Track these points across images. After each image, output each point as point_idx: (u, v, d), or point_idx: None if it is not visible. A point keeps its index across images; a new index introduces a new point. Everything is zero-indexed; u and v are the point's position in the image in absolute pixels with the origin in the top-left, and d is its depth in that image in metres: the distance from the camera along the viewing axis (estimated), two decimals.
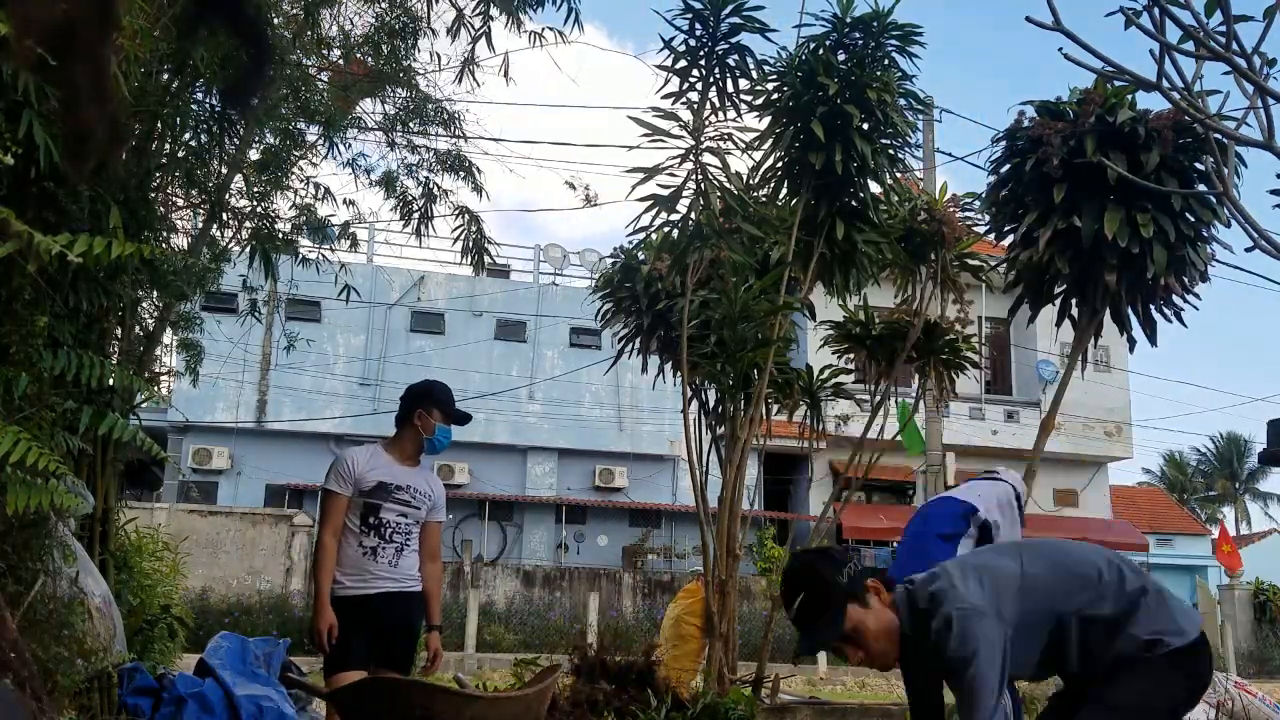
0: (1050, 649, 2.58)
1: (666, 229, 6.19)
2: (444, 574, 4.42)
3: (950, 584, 2.54)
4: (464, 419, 4.34)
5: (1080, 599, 2.56)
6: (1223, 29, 2.63)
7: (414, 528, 4.13)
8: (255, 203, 7.39)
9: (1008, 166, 6.55)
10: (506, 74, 7.70)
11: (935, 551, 4.09)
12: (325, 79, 7.87)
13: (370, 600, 3.96)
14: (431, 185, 8.55)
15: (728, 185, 6.07)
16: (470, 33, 7.18)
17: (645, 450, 23.05)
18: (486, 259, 8.80)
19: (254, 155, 7.41)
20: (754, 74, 6.07)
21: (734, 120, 6.12)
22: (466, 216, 8.50)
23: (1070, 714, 2.60)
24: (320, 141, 7.75)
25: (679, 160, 5.93)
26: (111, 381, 4.80)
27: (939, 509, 4.61)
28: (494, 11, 6.75)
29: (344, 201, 8.93)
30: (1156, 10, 2.63)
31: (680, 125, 5.91)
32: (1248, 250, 2.89)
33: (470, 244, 8.56)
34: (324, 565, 3.95)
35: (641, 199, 6.01)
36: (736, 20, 5.81)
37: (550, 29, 7.15)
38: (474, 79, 7.73)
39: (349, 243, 9.14)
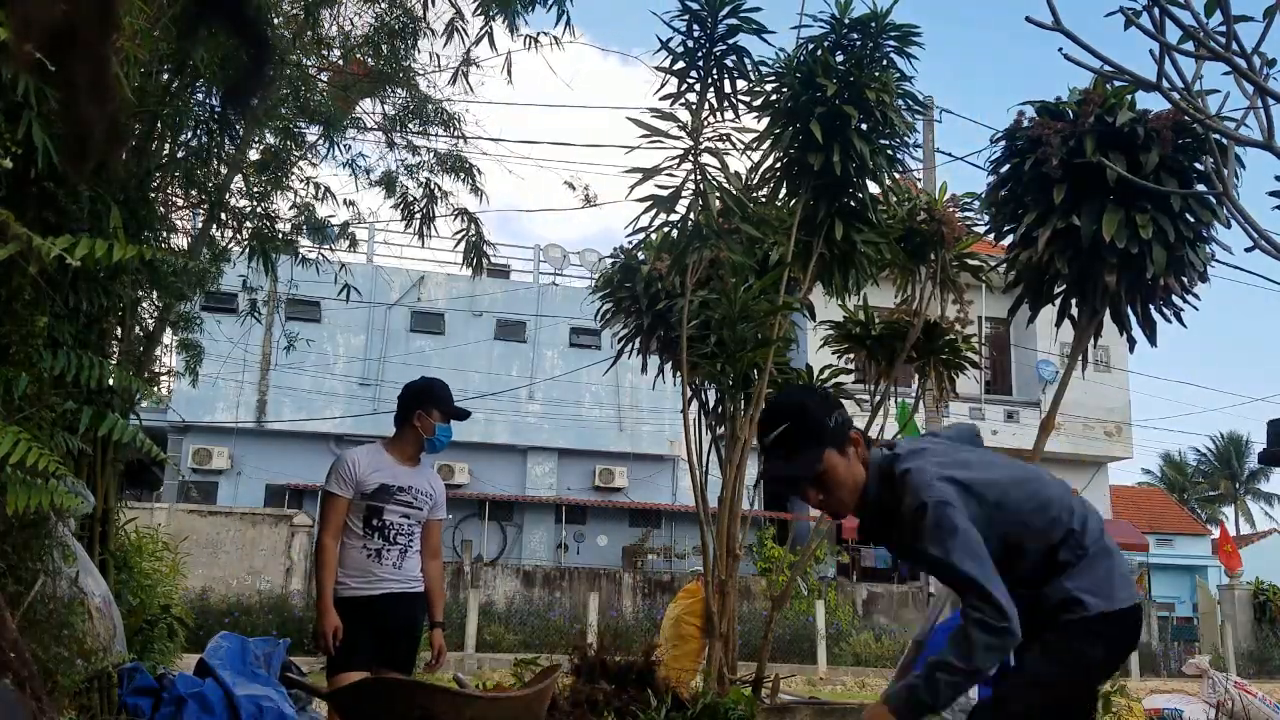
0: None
1: (666, 229, 6.19)
2: (444, 574, 4.40)
3: (926, 470, 2.45)
4: (463, 415, 4.35)
5: (1039, 534, 2.51)
6: (1223, 29, 2.63)
7: (416, 528, 4.13)
8: (255, 203, 7.39)
9: (1007, 167, 6.55)
10: (509, 73, 7.71)
11: None
12: (325, 79, 7.87)
13: (375, 601, 3.97)
14: (432, 186, 8.55)
15: (727, 186, 6.07)
16: (464, 37, 7.19)
17: (645, 450, 23.06)
18: (485, 261, 8.80)
19: (254, 155, 7.42)
20: (752, 75, 6.07)
21: (732, 121, 6.13)
22: (466, 219, 8.51)
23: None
24: (320, 142, 7.75)
25: (678, 161, 5.93)
26: (111, 382, 4.80)
27: None
28: (493, 11, 6.75)
29: (344, 202, 8.94)
30: (1156, 10, 2.63)
31: (679, 126, 5.91)
32: (1248, 250, 2.89)
33: (469, 246, 8.56)
34: (326, 567, 3.94)
35: (641, 199, 6.02)
36: (734, 21, 5.81)
37: (545, 33, 7.18)
38: (467, 82, 7.74)
39: (348, 243, 9.14)
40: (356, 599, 3.95)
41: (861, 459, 2.57)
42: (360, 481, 4.01)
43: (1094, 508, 2.67)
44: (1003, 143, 6.55)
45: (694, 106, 5.96)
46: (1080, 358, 6.63)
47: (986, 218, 7.00)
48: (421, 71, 8.22)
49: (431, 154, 8.58)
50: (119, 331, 6.14)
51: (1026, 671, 2.50)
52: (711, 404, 7.03)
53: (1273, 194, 2.90)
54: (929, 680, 2.30)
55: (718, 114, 6.04)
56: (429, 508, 4.19)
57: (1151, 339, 6.48)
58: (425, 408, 4.19)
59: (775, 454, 2.57)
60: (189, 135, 6.10)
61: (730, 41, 5.87)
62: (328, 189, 8.29)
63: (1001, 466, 2.65)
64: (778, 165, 6.49)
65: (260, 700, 5.35)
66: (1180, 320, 6.43)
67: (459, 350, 22.53)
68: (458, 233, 8.50)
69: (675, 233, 6.12)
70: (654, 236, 6.41)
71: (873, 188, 6.56)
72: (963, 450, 2.71)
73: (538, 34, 7.16)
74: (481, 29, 6.93)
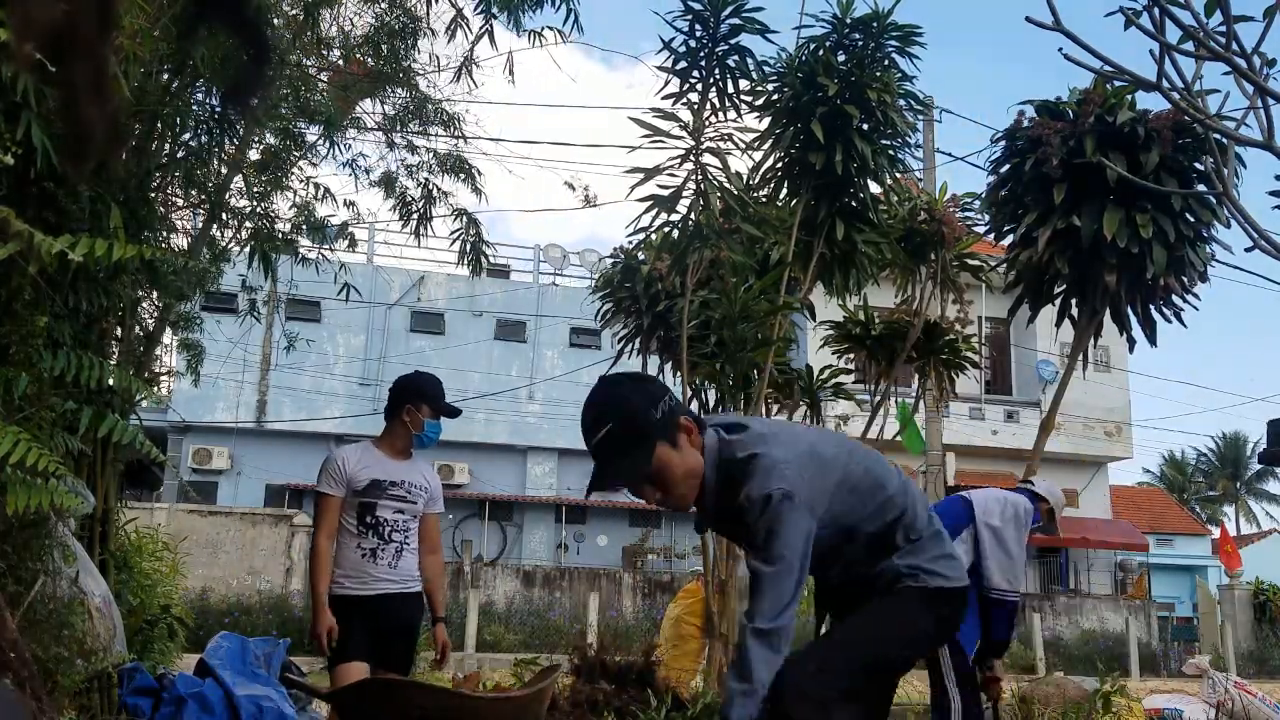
0: (823, 556, 2.43)
1: (666, 229, 6.19)
2: (444, 572, 4.38)
3: (772, 457, 2.31)
4: (453, 413, 4.18)
5: (874, 519, 2.46)
6: (1223, 29, 2.63)
7: (412, 524, 4.08)
8: (255, 203, 7.39)
9: (1007, 166, 6.56)
10: (511, 71, 7.70)
11: None
12: (325, 79, 7.86)
13: (370, 601, 3.94)
14: (431, 187, 8.55)
15: (728, 185, 6.07)
16: (468, 33, 7.17)
17: None
18: (485, 261, 8.79)
19: (254, 155, 7.41)
20: (754, 75, 6.07)
21: (734, 121, 6.13)
22: (465, 219, 8.50)
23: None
24: (320, 142, 7.75)
25: (679, 161, 5.93)
26: (111, 382, 4.80)
27: (946, 504, 4.67)
28: (495, 9, 6.74)
29: (344, 203, 8.94)
30: (1156, 10, 2.63)
31: (680, 126, 5.91)
32: (1248, 250, 2.89)
33: (468, 247, 8.55)
34: (320, 569, 3.91)
35: (641, 199, 6.02)
36: (736, 21, 5.81)
37: (550, 28, 7.14)
38: (472, 79, 7.73)
39: (347, 243, 9.14)
40: (352, 597, 3.92)
41: (697, 445, 2.38)
42: (351, 478, 3.95)
43: (921, 492, 2.64)
44: (1003, 143, 6.56)
45: (695, 106, 5.96)
46: (1080, 358, 6.63)
47: (986, 218, 7.01)
48: (421, 71, 8.22)
49: (431, 154, 8.58)
50: (119, 331, 6.14)
51: (858, 624, 2.48)
52: (712, 404, 7.02)
53: (1273, 193, 2.90)
54: (729, 705, 2.20)
55: (719, 114, 6.04)
56: (424, 501, 4.12)
57: (1151, 339, 6.48)
58: (414, 402, 4.09)
59: (602, 457, 2.36)
60: (189, 135, 6.10)
61: (732, 41, 5.87)
62: (327, 189, 8.30)
63: (840, 444, 2.57)
64: (779, 165, 6.49)
65: (260, 700, 5.35)
66: (1180, 320, 6.43)
67: (459, 350, 22.53)
68: (455, 231, 8.50)
69: (676, 233, 6.13)
70: (654, 236, 6.41)
71: (873, 187, 6.56)
72: (801, 428, 2.64)
73: (542, 28, 7.14)
74: (482, 27, 6.93)
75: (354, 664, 3.80)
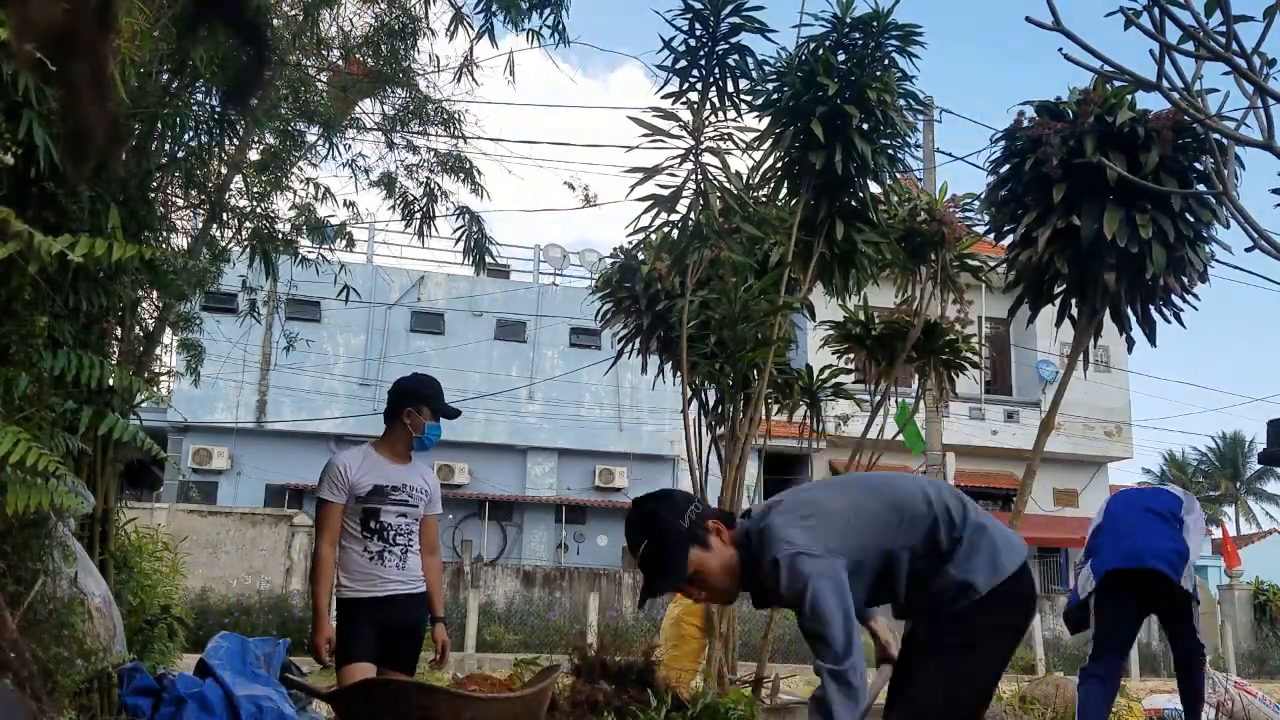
0: (878, 583, 2.62)
1: (666, 229, 6.19)
2: (444, 574, 4.33)
3: (774, 525, 2.54)
4: (452, 414, 4.18)
5: (908, 534, 2.58)
6: (1223, 29, 2.63)
7: (415, 526, 4.11)
8: (255, 203, 7.39)
9: (1007, 166, 6.55)
10: (511, 71, 7.71)
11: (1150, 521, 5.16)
12: (325, 79, 7.86)
13: (380, 601, 3.97)
14: (432, 186, 8.55)
15: (728, 185, 6.07)
16: (469, 32, 7.18)
17: (645, 450, 23.05)
18: (487, 259, 8.79)
19: (254, 156, 7.41)
20: (754, 74, 6.06)
21: (734, 120, 6.12)
22: (467, 216, 8.50)
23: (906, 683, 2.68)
24: (320, 142, 7.75)
25: (679, 160, 5.93)
26: (111, 382, 4.80)
27: (1156, 497, 5.40)
28: (495, 8, 6.74)
29: (344, 203, 8.94)
30: (1156, 10, 2.63)
31: (680, 125, 5.90)
32: (1248, 250, 2.89)
33: (471, 244, 8.55)
34: (322, 579, 3.91)
35: (641, 199, 6.02)
36: (736, 20, 5.81)
37: (548, 27, 7.14)
38: (473, 78, 7.74)
39: (346, 242, 9.13)
40: (360, 600, 3.96)
41: (729, 540, 2.63)
42: (353, 485, 3.95)
43: (952, 488, 2.75)
44: (1003, 143, 6.56)
45: (695, 105, 5.96)
46: (1080, 358, 6.63)
47: (986, 218, 7.01)
48: (421, 72, 8.22)
49: (431, 154, 8.58)
50: (119, 331, 6.14)
51: (937, 655, 2.60)
52: (711, 404, 7.02)
53: (1274, 191, 2.90)
54: None
55: (719, 113, 6.04)
56: (425, 504, 4.14)
57: (1151, 339, 6.48)
58: (415, 405, 4.08)
59: (646, 571, 2.63)
60: (189, 135, 6.10)
61: (732, 40, 5.87)
62: (327, 189, 8.30)
63: (849, 488, 2.76)
64: (779, 165, 6.49)
65: (260, 700, 5.35)
66: (1180, 320, 6.43)
67: (459, 350, 22.53)
68: (458, 228, 8.49)
69: (676, 232, 6.12)
70: (654, 236, 6.40)
71: (873, 187, 6.56)
72: (807, 490, 2.80)
73: (539, 28, 7.15)
74: (481, 26, 6.93)
75: (360, 664, 3.83)
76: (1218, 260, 6.34)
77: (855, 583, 2.53)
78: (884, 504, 2.62)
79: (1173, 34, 2.69)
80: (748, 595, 2.76)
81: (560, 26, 6.54)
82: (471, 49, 7.54)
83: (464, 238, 8.52)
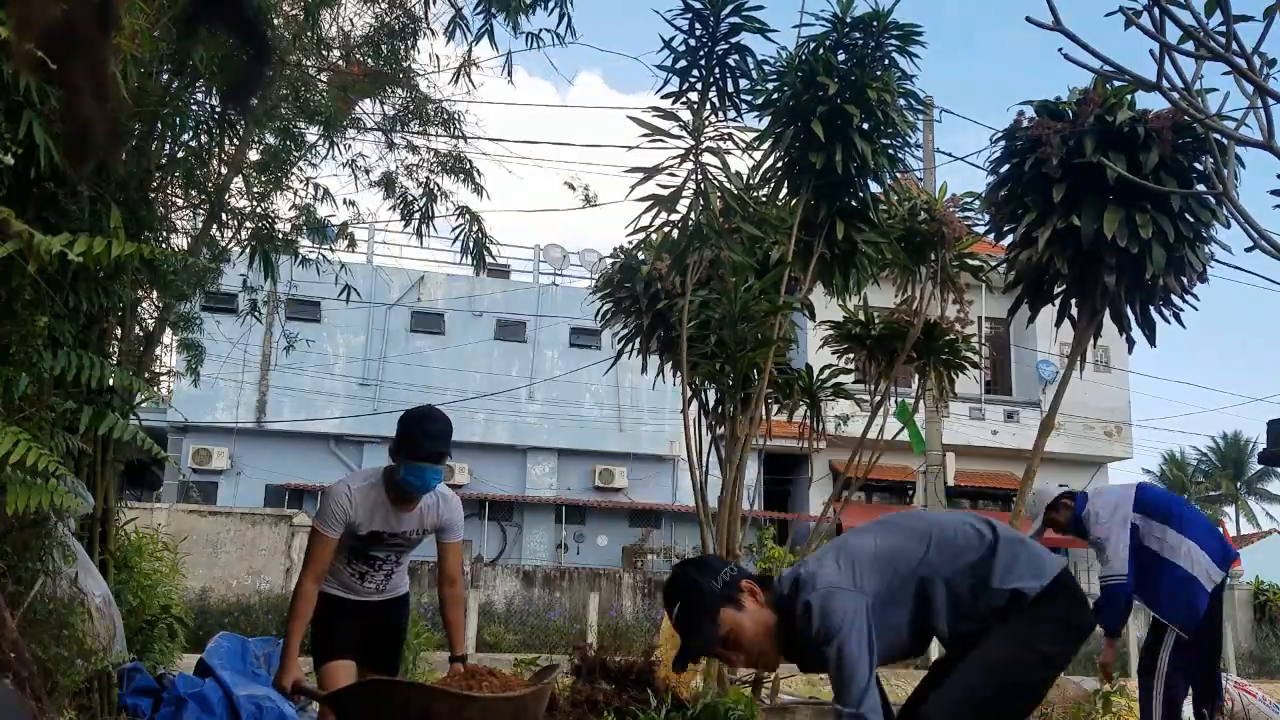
0: (918, 614, 2.62)
1: (666, 229, 6.19)
2: (464, 607, 4.04)
3: (809, 570, 2.59)
4: (428, 457, 3.65)
5: (938, 561, 2.60)
6: (1223, 29, 2.63)
7: (406, 553, 3.96)
8: (255, 203, 7.38)
9: (1007, 167, 6.55)
10: (510, 73, 7.70)
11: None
12: (325, 79, 7.86)
13: (358, 603, 3.91)
14: (432, 186, 8.54)
15: (728, 185, 6.07)
16: (467, 34, 7.17)
17: (645, 450, 23.05)
18: (487, 258, 8.79)
19: (254, 155, 7.40)
20: (754, 74, 6.06)
21: (734, 120, 6.13)
22: (467, 216, 8.49)
23: (947, 674, 2.64)
24: (320, 142, 7.74)
25: (679, 160, 5.93)
26: (111, 382, 4.80)
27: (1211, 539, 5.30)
28: (494, 9, 6.74)
29: (344, 202, 8.94)
30: (1156, 10, 2.63)
31: (680, 125, 5.90)
32: (1248, 250, 2.89)
33: (471, 244, 8.55)
34: (298, 616, 3.67)
35: (641, 199, 6.02)
36: (736, 20, 5.81)
37: (547, 30, 7.14)
38: (471, 81, 7.73)
39: (348, 243, 9.13)
40: (338, 598, 3.87)
41: (765, 602, 2.64)
42: (354, 525, 3.71)
43: (978, 515, 2.78)
44: (1002, 143, 6.56)
45: (695, 105, 5.96)
46: (1080, 358, 6.63)
47: (986, 218, 7.01)
48: (421, 72, 8.21)
49: (431, 153, 8.57)
50: (119, 331, 6.14)
51: (979, 661, 2.56)
52: (711, 404, 7.02)
53: (1274, 193, 2.90)
54: None
55: (719, 113, 6.04)
56: (419, 537, 3.90)
57: (1151, 339, 6.48)
58: (394, 458, 3.70)
59: (682, 632, 2.67)
60: (189, 135, 6.09)
61: (732, 40, 5.87)
62: (327, 189, 8.29)
63: (872, 525, 2.77)
64: (779, 164, 6.49)
65: (260, 700, 5.35)
66: (1180, 320, 6.43)
67: (459, 350, 22.53)
68: (458, 229, 8.49)
69: (676, 232, 6.12)
70: (654, 236, 6.41)
71: (874, 187, 6.56)
72: (841, 538, 2.79)
73: (539, 30, 7.15)
74: (481, 28, 6.93)
75: (340, 662, 3.78)
76: (1218, 260, 6.35)
77: (892, 612, 2.56)
78: (907, 535, 2.67)
79: (1173, 34, 2.69)
80: None
81: (569, 21, 6.53)
82: (470, 51, 7.53)
83: (463, 238, 8.52)
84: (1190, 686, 5.29)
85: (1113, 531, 5.17)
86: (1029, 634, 2.54)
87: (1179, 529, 5.14)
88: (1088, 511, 5.31)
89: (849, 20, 6.14)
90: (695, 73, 5.97)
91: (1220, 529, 6.31)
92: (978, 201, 7.20)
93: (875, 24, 6.10)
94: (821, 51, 6.13)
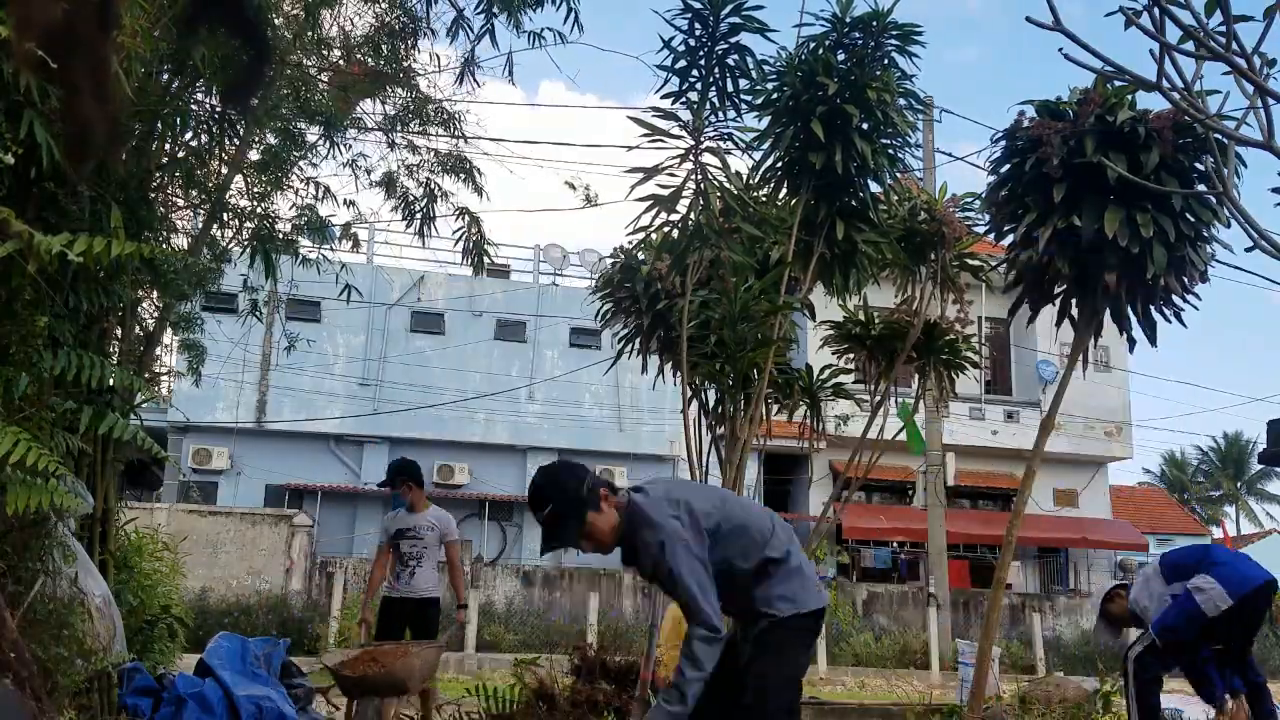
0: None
1: (666, 229, 6.19)
2: (462, 575, 6.77)
3: (648, 501, 3.13)
4: (386, 483, 6.50)
5: (740, 552, 3.18)
6: (1223, 29, 2.63)
7: (425, 550, 6.33)
8: (255, 203, 7.38)
9: (1007, 166, 6.55)
10: (510, 73, 7.70)
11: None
12: (325, 79, 7.85)
13: (396, 602, 6.30)
14: (432, 186, 8.54)
15: (727, 185, 6.07)
16: (469, 34, 7.17)
17: (645, 450, 23.04)
18: (486, 260, 8.79)
19: (254, 155, 7.40)
20: (754, 74, 6.06)
21: (734, 120, 6.12)
22: (467, 218, 8.49)
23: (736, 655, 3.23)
24: (320, 142, 7.74)
25: (679, 160, 5.92)
26: (111, 382, 4.80)
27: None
28: (495, 9, 6.73)
29: (344, 202, 8.93)
30: (1156, 10, 2.63)
31: (680, 125, 5.90)
32: (1248, 250, 2.89)
33: (471, 245, 8.54)
34: (370, 588, 6.47)
35: (641, 199, 6.01)
36: (736, 20, 5.81)
37: (550, 29, 7.13)
38: (474, 80, 7.73)
39: (351, 244, 9.12)
40: (389, 599, 6.33)
41: (615, 505, 3.17)
42: (388, 530, 6.43)
43: (786, 524, 3.37)
44: (1003, 143, 6.55)
45: (695, 105, 5.96)
46: (1080, 358, 6.62)
47: (986, 218, 7.00)
48: (422, 71, 8.21)
49: (432, 154, 8.57)
50: (119, 331, 6.14)
51: (754, 674, 3.17)
52: (711, 404, 7.02)
53: (1275, 190, 2.90)
54: (678, 692, 2.95)
55: (719, 113, 6.04)
56: (431, 536, 6.33)
57: (1151, 339, 6.48)
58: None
59: (547, 527, 3.14)
60: (189, 135, 6.09)
61: (732, 40, 5.87)
62: (327, 189, 8.29)
63: (713, 496, 3.32)
64: (779, 164, 6.49)
65: (260, 700, 5.35)
66: (1180, 320, 6.42)
67: (459, 350, 22.53)
68: (458, 230, 8.48)
69: (676, 232, 6.12)
70: (654, 236, 6.40)
71: (874, 187, 6.55)
72: (683, 484, 3.58)
73: (541, 30, 7.13)
74: (482, 27, 6.93)
75: (386, 644, 5.83)
76: (1218, 260, 6.34)
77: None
78: (735, 521, 3.20)
79: (1173, 34, 2.69)
80: None
81: (576, 17, 6.51)
82: (472, 50, 7.52)
83: (463, 240, 8.52)
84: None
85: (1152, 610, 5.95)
86: (786, 651, 3.23)
87: (1207, 571, 5.75)
88: (1133, 602, 6.13)
89: (848, 20, 6.14)
90: (695, 73, 5.96)
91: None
92: (978, 201, 7.19)
93: (875, 24, 6.10)
94: (821, 51, 6.13)
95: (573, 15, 6.49)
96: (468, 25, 7.15)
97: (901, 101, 6.28)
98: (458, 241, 8.59)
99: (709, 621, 2.98)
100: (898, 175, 6.84)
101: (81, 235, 3.05)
